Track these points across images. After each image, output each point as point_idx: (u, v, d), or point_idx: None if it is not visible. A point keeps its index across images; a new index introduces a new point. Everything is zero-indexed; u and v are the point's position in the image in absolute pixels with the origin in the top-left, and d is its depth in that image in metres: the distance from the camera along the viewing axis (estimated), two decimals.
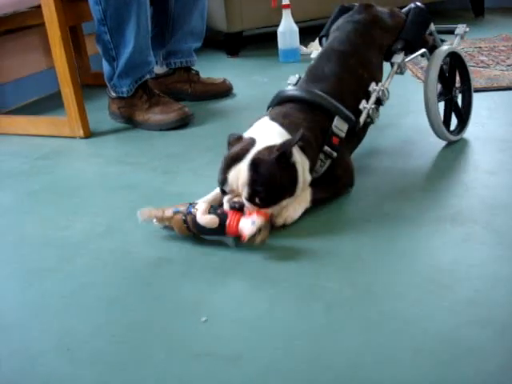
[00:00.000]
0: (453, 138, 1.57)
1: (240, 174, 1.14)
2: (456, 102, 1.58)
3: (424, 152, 1.55)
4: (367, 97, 1.37)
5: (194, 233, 1.16)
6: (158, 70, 2.21)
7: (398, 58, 1.46)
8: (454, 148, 1.55)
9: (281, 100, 1.34)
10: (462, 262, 1.04)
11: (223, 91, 2.28)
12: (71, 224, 1.34)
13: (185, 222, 1.15)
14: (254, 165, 1.14)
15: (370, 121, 1.37)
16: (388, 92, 1.40)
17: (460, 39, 1.63)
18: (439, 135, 1.55)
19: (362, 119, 1.34)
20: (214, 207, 1.16)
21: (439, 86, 1.54)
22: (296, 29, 2.77)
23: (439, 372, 0.80)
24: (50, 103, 2.45)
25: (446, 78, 1.55)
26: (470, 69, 1.61)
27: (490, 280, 0.98)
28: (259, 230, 1.09)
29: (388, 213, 1.23)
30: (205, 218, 1.13)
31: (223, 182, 1.17)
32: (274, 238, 1.16)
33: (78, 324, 0.98)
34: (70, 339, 0.94)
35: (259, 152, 1.16)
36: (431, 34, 1.58)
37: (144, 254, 1.18)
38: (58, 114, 2.15)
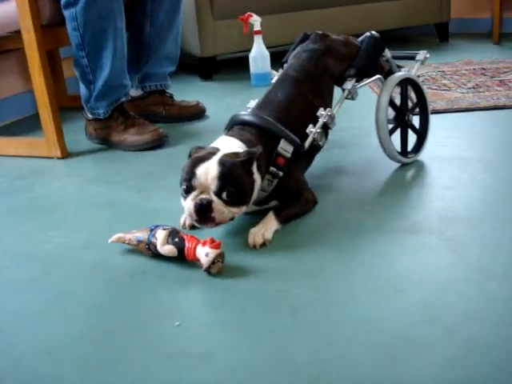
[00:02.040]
0: (407, 160, 1.65)
1: (209, 170, 1.21)
2: (412, 125, 1.66)
3: (384, 169, 1.64)
4: (315, 122, 1.45)
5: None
6: (134, 92, 2.28)
7: (348, 84, 1.55)
8: (414, 165, 1.65)
9: (235, 123, 1.42)
10: (417, 269, 1.12)
11: (197, 114, 2.36)
12: (51, 239, 1.40)
13: (149, 249, 1.24)
14: (223, 163, 1.22)
15: (316, 144, 1.43)
16: (334, 118, 1.47)
17: (420, 65, 1.72)
18: (393, 159, 1.63)
19: (307, 143, 1.41)
20: (173, 234, 1.22)
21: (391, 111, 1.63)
22: (267, 54, 2.87)
23: (394, 366, 0.88)
24: (27, 125, 2.51)
25: (399, 104, 1.63)
26: (427, 92, 1.70)
27: (443, 284, 1.07)
28: (213, 262, 1.14)
29: (349, 224, 1.32)
30: (165, 249, 1.20)
31: (191, 177, 1.22)
32: (241, 250, 1.24)
33: (59, 329, 1.04)
34: (51, 343, 1.00)
35: (226, 155, 1.24)
36: (387, 60, 1.67)
37: (121, 265, 1.24)
38: (35, 135, 2.21)
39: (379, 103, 1.58)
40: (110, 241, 1.28)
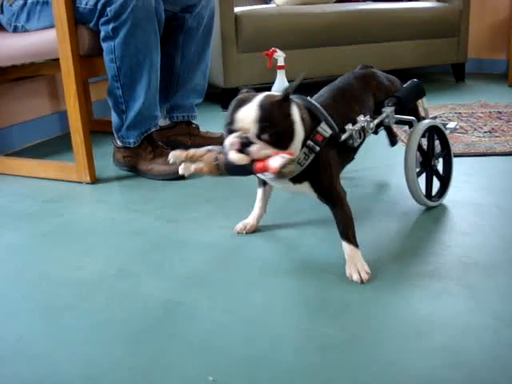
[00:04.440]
0: (432, 203, 1.72)
1: (249, 113, 1.24)
2: (437, 170, 1.73)
3: (406, 213, 1.71)
4: (354, 123, 1.49)
5: (221, 173, 1.26)
6: (161, 122, 2.36)
7: (387, 109, 1.61)
8: (433, 210, 1.71)
9: None
10: (438, 314, 1.18)
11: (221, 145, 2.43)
12: (84, 265, 1.47)
13: (216, 159, 1.26)
14: (262, 105, 1.25)
15: (350, 144, 1.45)
16: (372, 127, 1.52)
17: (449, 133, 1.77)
18: (419, 202, 1.70)
19: (343, 136, 1.43)
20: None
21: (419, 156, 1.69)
22: None
23: None
24: (55, 146, 2.61)
25: (426, 150, 1.69)
26: (450, 139, 1.77)
27: (462, 329, 1.13)
28: (287, 164, 1.19)
29: (373, 267, 1.37)
30: (237, 155, 1.22)
31: (232, 120, 1.26)
32: (270, 288, 1.31)
33: (99, 356, 1.10)
34: (93, 369, 1.06)
35: (265, 96, 1.29)
36: (424, 109, 1.78)
37: (155, 295, 1.31)
38: (63, 158, 2.30)
39: (409, 145, 1.63)
40: (172, 160, 1.32)
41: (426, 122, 1.68)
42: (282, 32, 3.26)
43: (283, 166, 1.18)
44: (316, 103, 1.42)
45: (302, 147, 1.33)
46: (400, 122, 1.69)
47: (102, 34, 1.93)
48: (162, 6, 2.02)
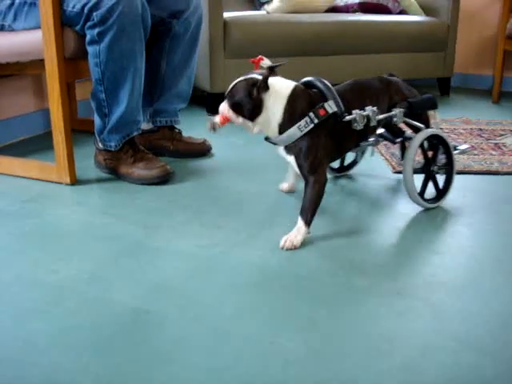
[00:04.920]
0: (426, 204, 1.84)
1: (229, 87, 1.65)
2: (434, 177, 1.85)
3: (377, 229, 1.74)
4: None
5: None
6: (144, 126, 2.37)
7: (397, 109, 1.78)
8: (406, 227, 1.75)
9: (303, 83, 1.72)
10: (401, 333, 1.21)
11: (203, 151, 2.46)
12: (58, 268, 1.48)
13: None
14: (236, 83, 1.63)
15: (355, 126, 1.65)
16: (377, 118, 1.70)
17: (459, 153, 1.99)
18: (414, 201, 1.83)
19: (348, 117, 1.63)
20: None
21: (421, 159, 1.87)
22: None
23: None
24: (37, 144, 2.62)
25: (428, 155, 1.85)
26: (455, 156, 1.91)
27: (422, 350, 1.15)
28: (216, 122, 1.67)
29: (342, 282, 1.40)
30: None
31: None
32: (239, 300, 1.33)
33: (66, 361, 1.11)
34: (60, 375, 1.07)
35: (246, 77, 1.64)
36: (436, 123, 1.93)
37: (125, 302, 1.32)
38: (44, 157, 2.30)
39: (411, 145, 1.79)
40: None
41: (430, 130, 1.82)
42: (270, 39, 3.28)
43: (213, 123, 1.65)
44: (329, 85, 1.66)
45: (304, 118, 1.60)
46: (409, 126, 1.88)
47: (88, 37, 1.94)
48: (149, 11, 2.03)
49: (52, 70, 1.99)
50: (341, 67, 3.54)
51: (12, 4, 2.05)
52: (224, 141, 2.65)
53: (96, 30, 1.90)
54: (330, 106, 1.60)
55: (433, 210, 1.86)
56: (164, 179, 2.10)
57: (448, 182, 1.90)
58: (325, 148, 1.64)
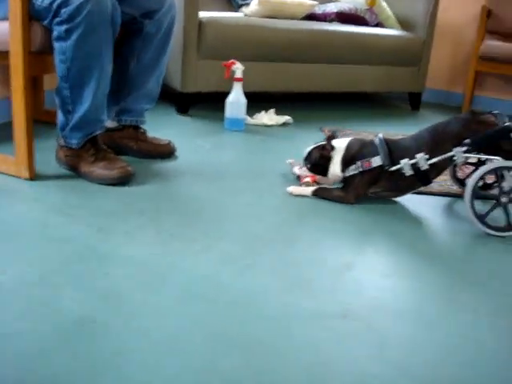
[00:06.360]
0: (490, 231, 1.92)
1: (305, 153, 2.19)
2: (505, 206, 1.92)
3: (331, 253, 1.75)
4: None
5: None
6: (109, 123, 2.35)
7: (457, 149, 1.94)
8: (359, 250, 1.76)
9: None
10: (339, 359, 1.22)
11: (166, 153, 2.45)
12: (6, 269, 1.46)
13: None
14: (310, 149, 2.17)
15: (403, 173, 2.00)
16: (425, 164, 1.97)
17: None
18: (475, 225, 1.94)
19: (394, 167, 2.01)
20: None
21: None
22: (244, 101, 2.98)
23: None
24: None
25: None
26: None
27: (360, 378, 1.16)
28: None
29: (287, 303, 1.41)
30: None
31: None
32: (185, 314, 1.33)
33: (4, 369, 1.10)
34: None
35: (317, 145, 2.17)
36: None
37: (71, 309, 1.31)
38: (4, 148, 2.25)
39: (474, 176, 1.93)
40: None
41: (495, 163, 1.90)
42: (244, 43, 3.28)
43: (307, 183, 2.19)
44: (383, 144, 2.05)
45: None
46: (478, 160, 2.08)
47: (55, 33, 1.92)
48: (119, 10, 2.01)
49: (16, 64, 1.96)
50: (314, 76, 3.56)
51: None
52: (189, 142, 2.64)
53: (64, 27, 1.88)
54: (376, 161, 2.02)
55: (387, 228, 1.89)
56: (124, 180, 2.09)
57: None
58: (368, 183, 2.06)
